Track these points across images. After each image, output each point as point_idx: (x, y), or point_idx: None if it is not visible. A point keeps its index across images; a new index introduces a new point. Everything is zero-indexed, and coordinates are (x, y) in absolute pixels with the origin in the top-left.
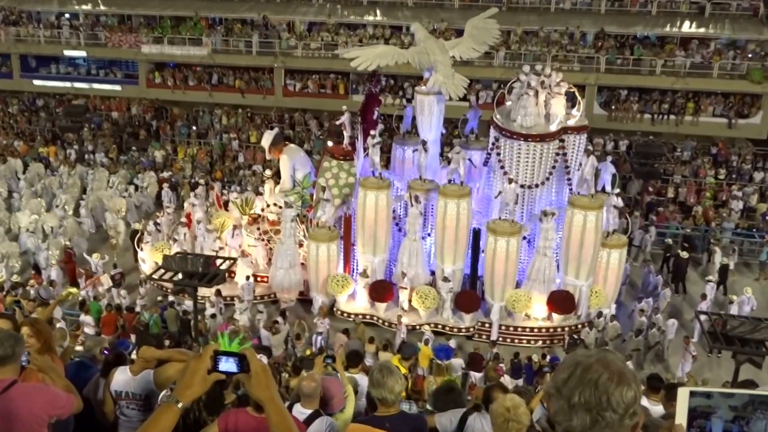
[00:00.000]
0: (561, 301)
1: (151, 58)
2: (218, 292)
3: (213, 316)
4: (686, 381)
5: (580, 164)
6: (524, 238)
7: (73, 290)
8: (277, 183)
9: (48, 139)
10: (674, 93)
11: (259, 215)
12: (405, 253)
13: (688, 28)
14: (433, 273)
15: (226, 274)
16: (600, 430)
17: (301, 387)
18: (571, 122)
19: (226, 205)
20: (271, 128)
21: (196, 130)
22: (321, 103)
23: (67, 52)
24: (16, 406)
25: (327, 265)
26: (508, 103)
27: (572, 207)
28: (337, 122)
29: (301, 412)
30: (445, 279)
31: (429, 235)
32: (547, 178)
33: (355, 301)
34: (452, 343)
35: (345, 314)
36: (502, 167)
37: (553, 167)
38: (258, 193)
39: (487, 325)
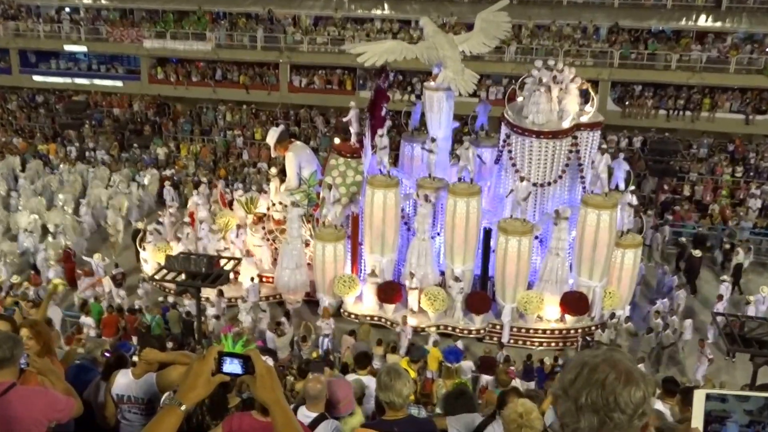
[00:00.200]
0: (574, 303)
1: (153, 53)
2: (220, 293)
3: (217, 317)
4: (703, 385)
5: (593, 162)
6: (536, 237)
7: (57, 281)
8: (282, 181)
9: (48, 136)
10: (690, 88)
11: (264, 214)
12: (414, 253)
13: (704, 21)
14: (442, 273)
15: (231, 275)
16: (608, 431)
17: (306, 389)
18: (585, 119)
19: (230, 204)
20: (277, 125)
21: (199, 127)
22: (327, 99)
23: (68, 47)
24: (15, 409)
25: (334, 265)
26: (520, 99)
27: (585, 206)
28: (344, 119)
29: (306, 415)
30: (456, 279)
31: (438, 234)
32: (560, 176)
33: (363, 302)
34: (459, 345)
35: (352, 316)
36: (514, 165)
37: (566, 165)
38: (262, 191)
39: (498, 327)
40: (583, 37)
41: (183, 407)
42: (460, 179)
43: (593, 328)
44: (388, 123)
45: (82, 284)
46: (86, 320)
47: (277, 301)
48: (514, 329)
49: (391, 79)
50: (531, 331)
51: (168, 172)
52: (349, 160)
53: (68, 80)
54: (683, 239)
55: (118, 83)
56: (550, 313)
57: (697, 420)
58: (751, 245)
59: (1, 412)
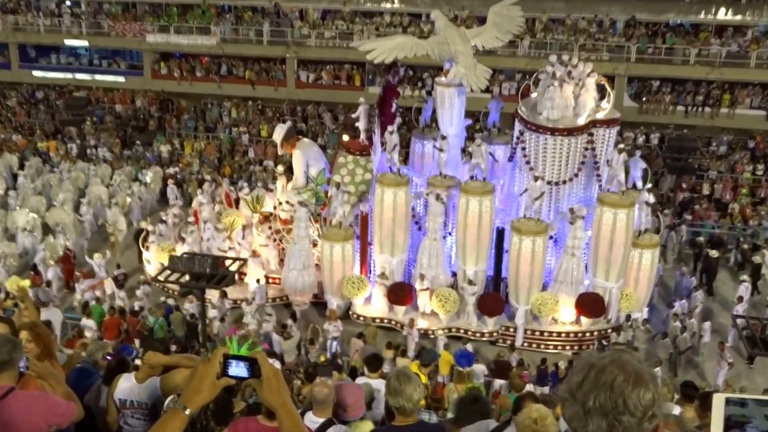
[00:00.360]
0: (590, 305)
1: (156, 47)
2: (223, 294)
3: (222, 319)
4: (723, 390)
5: (608, 160)
6: (551, 237)
7: (19, 282)
8: (289, 179)
9: (48, 133)
10: (709, 84)
11: (271, 213)
12: (425, 254)
13: (723, 15)
14: (454, 274)
15: (237, 276)
16: None
17: (313, 393)
18: (600, 115)
19: (236, 203)
20: (283, 122)
21: (203, 124)
22: (335, 95)
23: (68, 42)
24: (14, 414)
25: (342, 266)
26: (534, 95)
27: (602, 204)
28: (353, 115)
29: (313, 420)
30: (470, 282)
31: (450, 234)
32: (576, 174)
33: (372, 304)
34: (468, 348)
35: (361, 318)
36: (528, 163)
37: (582, 163)
38: (269, 190)
39: (511, 329)
40: (599, 31)
41: (187, 411)
42: (472, 177)
43: (609, 330)
44: (398, 119)
45: (82, 286)
46: (87, 322)
47: (283, 303)
48: (528, 332)
49: (401, 74)
50: (545, 334)
51: (171, 170)
52: (358, 157)
53: (69, 75)
54: (701, 239)
55: (120, 79)
56: (565, 316)
57: (717, 425)
58: None
59: (0, 417)
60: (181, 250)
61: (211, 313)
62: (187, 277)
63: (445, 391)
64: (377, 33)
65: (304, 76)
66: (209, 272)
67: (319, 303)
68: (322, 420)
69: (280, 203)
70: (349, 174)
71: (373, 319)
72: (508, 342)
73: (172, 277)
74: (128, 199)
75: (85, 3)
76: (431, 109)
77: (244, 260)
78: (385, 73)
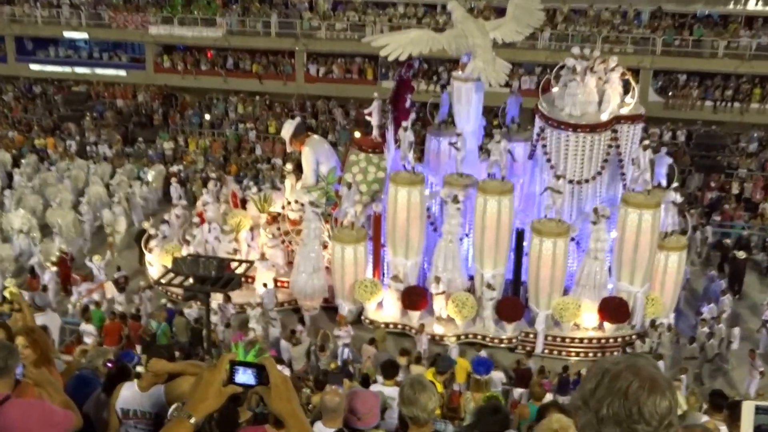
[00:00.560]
0: (613, 310)
1: (159, 39)
2: (227, 299)
3: (228, 325)
4: (754, 399)
5: (634, 158)
6: (572, 239)
7: (12, 288)
8: (298, 178)
9: (46, 129)
10: (738, 78)
11: (279, 214)
12: (440, 256)
13: (753, 5)
14: (471, 278)
15: (245, 279)
16: None
17: (323, 401)
18: (625, 110)
19: (243, 203)
20: (292, 117)
21: (208, 120)
22: (347, 89)
23: (67, 34)
24: (10, 423)
25: (354, 269)
26: (555, 90)
27: (626, 205)
28: (366, 111)
29: (322, 430)
30: (489, 287)
31: (467, 235)
32: (599, 173)
33: (385, 308)
34: (483, 354)
35: (374, 323)
36: (549, 161)
37: (605, 160)
38: (276, 189)
39: (531, 335)
40: (623, 23)
41: (193, 420)
42: (490, 176)
43: (634, 337)
44: (413, 115)
45: (80, 288)
46: (87, 328)
47: (292, 308)
48: (549, 338)
49: (415, 68)
50: (567, 340)
51: (175, 168)
52: (371, 155)
53: (68, 69)
54: (728, 241)
55: (122, 72)
56: (587, 321)
57: None
58: None
59: None
60: (185, 252)
61: (212, 318)
62: (191, 281)
63: (461, 400)
64: (390, 25)
65: (314, 69)
66: (214, 275)
67: (329, 308)
68: (332, 430)
69: (289, 203)
70: (362, 172)
71: (387, 324)
72: (527, 348)
73: (176, 281)
74: (128, 199)
75: None
76: (447, 105)
77: (251, 263)
78: (398, 67)
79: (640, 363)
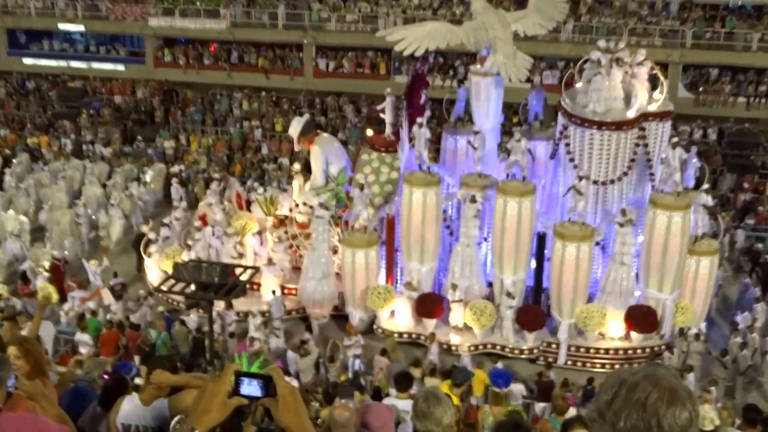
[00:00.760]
0: (641, 318)
1: (160, 32)
2: (229, 306)
3: (232, 335)
4: None
5: (663, 157)
6: (597, 243)
7: (48, 288)
8: (307, 179)
9: (39, 127)
10: None
11: (287, 216)
12: (457, 262)
13: None
14: (489, 285)
15: (251, 286)
16: None
17: (332, 416)
18: (653, 107)
19: (248, 205)
20: (300, 114)
21: (212, 117)
22: (358, 85)
23: (62, 26)
24: None
25: (365, 274)
26: (579, 85)
27: (654, 207)
28: (378, 108)
29: None
30: (509, 295)
31: (485, 239)
32: (625, 173)
33: (398, 317)
34: (499, 366)
35: (385, 332)
36: (572, 160)
37: (632, 160)
38: (283, 190)
39: (553, 345)
40: (651, 14)
41: None
42: (509, 176)
43: (663, 347)
44: (428, 112)
45: (73, 294)
46: (82, 337)
47: (300, 316)
48: (572, 349)
49: (430, 62)
50: (591, 350)
51: (176, 168)
52: (384, 154)
53: (63, 63)
54: (759, 245)
55: (120, 67)
56: (613, 331)
57: None
58: None
59: None
60: (186, 257)
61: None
62: (192, 287)
63: (479, 414)
64: (404, 16)
65: (323, 64)
66: (218, 282)
67: (339, 316)
68: None
69: (297, 205)
70: (374, 173)
71: (400, 334)
72: (549, 359)
73: (177, 287)
74: (128, 204)
75: None
76: (464, 101)
77: (257, 269)
78: (413, 61)
79: (659, 373)
